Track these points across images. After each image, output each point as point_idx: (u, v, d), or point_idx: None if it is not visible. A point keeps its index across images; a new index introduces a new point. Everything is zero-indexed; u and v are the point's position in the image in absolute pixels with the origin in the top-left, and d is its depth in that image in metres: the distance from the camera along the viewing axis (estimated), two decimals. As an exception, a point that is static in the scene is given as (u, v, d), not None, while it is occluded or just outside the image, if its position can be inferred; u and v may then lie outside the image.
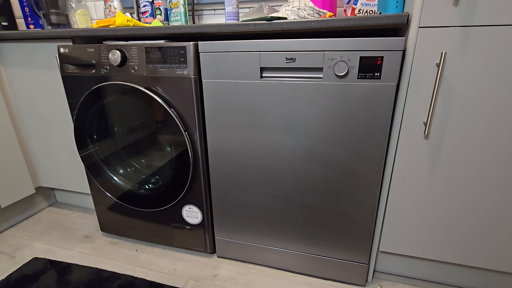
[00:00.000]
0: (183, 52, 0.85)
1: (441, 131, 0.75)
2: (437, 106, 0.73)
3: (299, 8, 0.96)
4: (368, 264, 0.93)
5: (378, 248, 0.93)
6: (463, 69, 0.69)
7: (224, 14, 1.26)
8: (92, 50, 0.95)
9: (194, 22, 1.40)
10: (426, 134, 0.74)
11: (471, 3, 0.64)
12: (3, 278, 1.01)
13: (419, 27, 0.69)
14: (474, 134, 0.73)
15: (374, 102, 0.75)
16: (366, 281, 0.96)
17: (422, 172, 0.80)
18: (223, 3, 1.35)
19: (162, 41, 0.91)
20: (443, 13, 0.66)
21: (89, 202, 1.45)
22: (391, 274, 1.01)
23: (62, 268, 1.05)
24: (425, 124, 0.73)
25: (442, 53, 0.66)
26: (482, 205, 0.79)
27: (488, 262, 0.84)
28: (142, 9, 1.35)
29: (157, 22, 1.14)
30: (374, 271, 1.03)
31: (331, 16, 0.97)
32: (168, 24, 1.34)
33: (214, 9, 1.40)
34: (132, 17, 1.43)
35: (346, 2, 1.09)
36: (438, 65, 0.69)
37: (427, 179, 0.80)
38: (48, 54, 1.11)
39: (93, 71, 0.97)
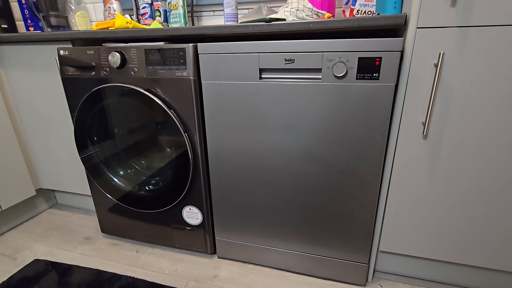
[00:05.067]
0: (182, 53, 0.85)
1: (439, 131, 0.75)
2: (435, 106, 0.73)
3: (297, 9, 0.96)
4: (368, 264, 0.94)
5: (378, 247, 0.93)
6: (461, 69, 0.69)
7: (223, 15, 1.27)
8: (92, 52, 0.95)
9: (193, 24, 1.41)
10: (424, 134, 0.74)
11: (469, 3, 0.64)
12: (4, 280, 1.01)
13: (417, 27, 0.69)
14: (473, 134, 0.73)
15: (372, 103, 0.76)
16: (366, 280, 0.97)
17: (421, 172, 0.80)
18: (222, 4, 1.35)
19: (162, 43, 0.91)
20: (440, 13, 0.66)
21: (90, 203, 1.46)
22: (391, 274, 1.02)
23: (63, 270, 1.05)
24: (424, 124, 0.73)
25: (440, 53, 0.67)
26: (481, 204, 0.79)
27: (488, 261, 0.84)
28: (142, 11, 1.35)
29: (156, 24, 1.15)
30: (374, 270, 1.03)
31: (329, 17, 0.97)
32: (168, 25, 1.35)
33: (213, 11, 1.40)
34: (132, 19, 1.43)
35: (344, 3, 1.09)
36: (436, 66, 0.69)
37: (426, 178, 0.80)
38: (48, 56, 1.11)
39: (93, 73, 0.98)
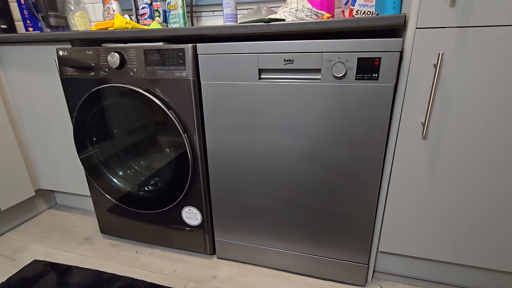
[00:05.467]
0: (181, 54, 0.85)
1: (439, 131, 0.75)
2: (435, 107, 0.73)
3: (297, 10, 0.96)
4: (368, 264, 0.94)
5: (377, 248, 0.93)
6: (460, 70, 0.69)
7: (223, 15, 1.27)
8: (91, 52, 0.95)
9: (192, 24, 1.41)
10: (424, 134, 0.74)
11: (468, 4, 0.64)
12: (3, 280, 1.01)
13: (416, 28, 0.69)
14: (472, 134, 0.73)
15: (372, 103, 0.76)
16: (366, 281, 0.97)
17: (420, 172, 0.80)
18: (222, 4, 1.35)
19: (161, 43, 0.91)
20: (440, 14, 0.66)
21: (89, 204, 1.46)
22: (390, 274, 1.02)
23: (62, 270, 1.05)
24: (423, 125, 0.73)
25: (439, 53, 0.67)
26: (481, 205, 0.79)
27: (488, 262, 0.84)
28: (141, 11, 1.35)
29: (155, 24, 1.15)
30: (373, 271, 1.03)
31: (329, 18, 0.97)
32: (167, 26, 1.35)
33: (213, 11, 1.40)
34: (131, 19, 1.43)
35: (344, 3, 1.09)
36: (435, 66, 0.69)
37: (426, 179, 0.80)
38: (47, 56, 1.11)
39: (92, 73, 0.98)
